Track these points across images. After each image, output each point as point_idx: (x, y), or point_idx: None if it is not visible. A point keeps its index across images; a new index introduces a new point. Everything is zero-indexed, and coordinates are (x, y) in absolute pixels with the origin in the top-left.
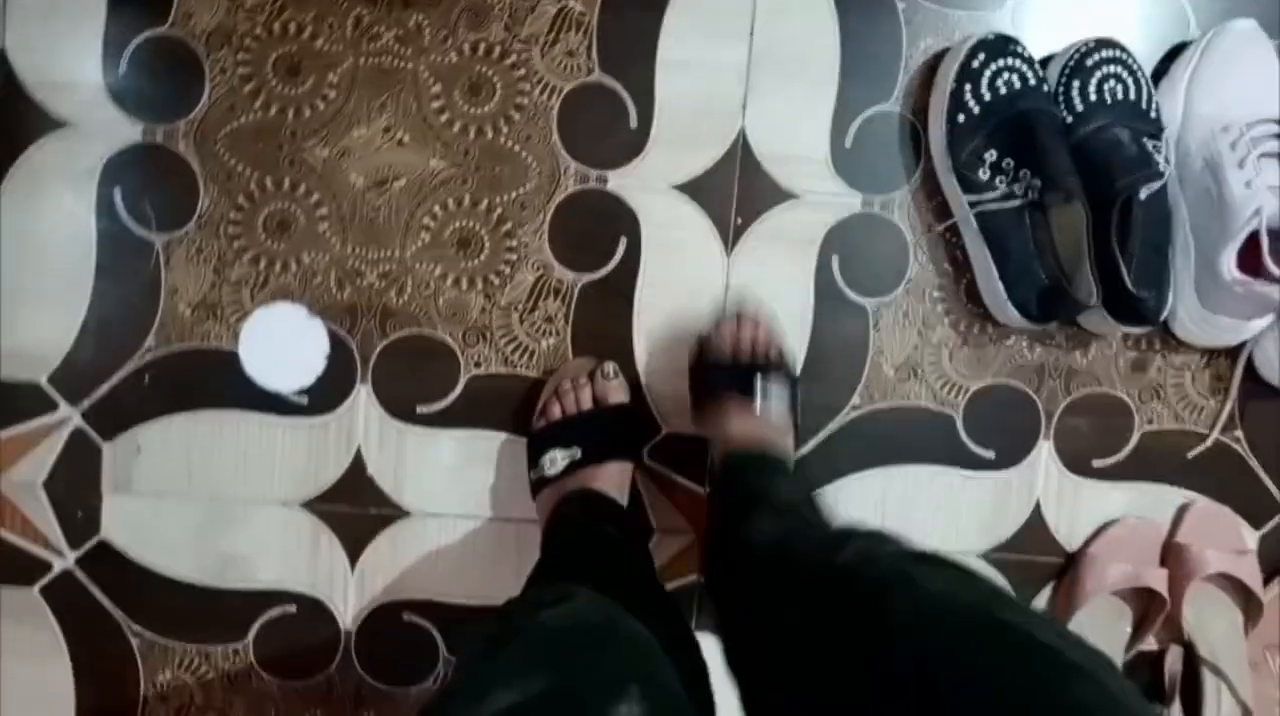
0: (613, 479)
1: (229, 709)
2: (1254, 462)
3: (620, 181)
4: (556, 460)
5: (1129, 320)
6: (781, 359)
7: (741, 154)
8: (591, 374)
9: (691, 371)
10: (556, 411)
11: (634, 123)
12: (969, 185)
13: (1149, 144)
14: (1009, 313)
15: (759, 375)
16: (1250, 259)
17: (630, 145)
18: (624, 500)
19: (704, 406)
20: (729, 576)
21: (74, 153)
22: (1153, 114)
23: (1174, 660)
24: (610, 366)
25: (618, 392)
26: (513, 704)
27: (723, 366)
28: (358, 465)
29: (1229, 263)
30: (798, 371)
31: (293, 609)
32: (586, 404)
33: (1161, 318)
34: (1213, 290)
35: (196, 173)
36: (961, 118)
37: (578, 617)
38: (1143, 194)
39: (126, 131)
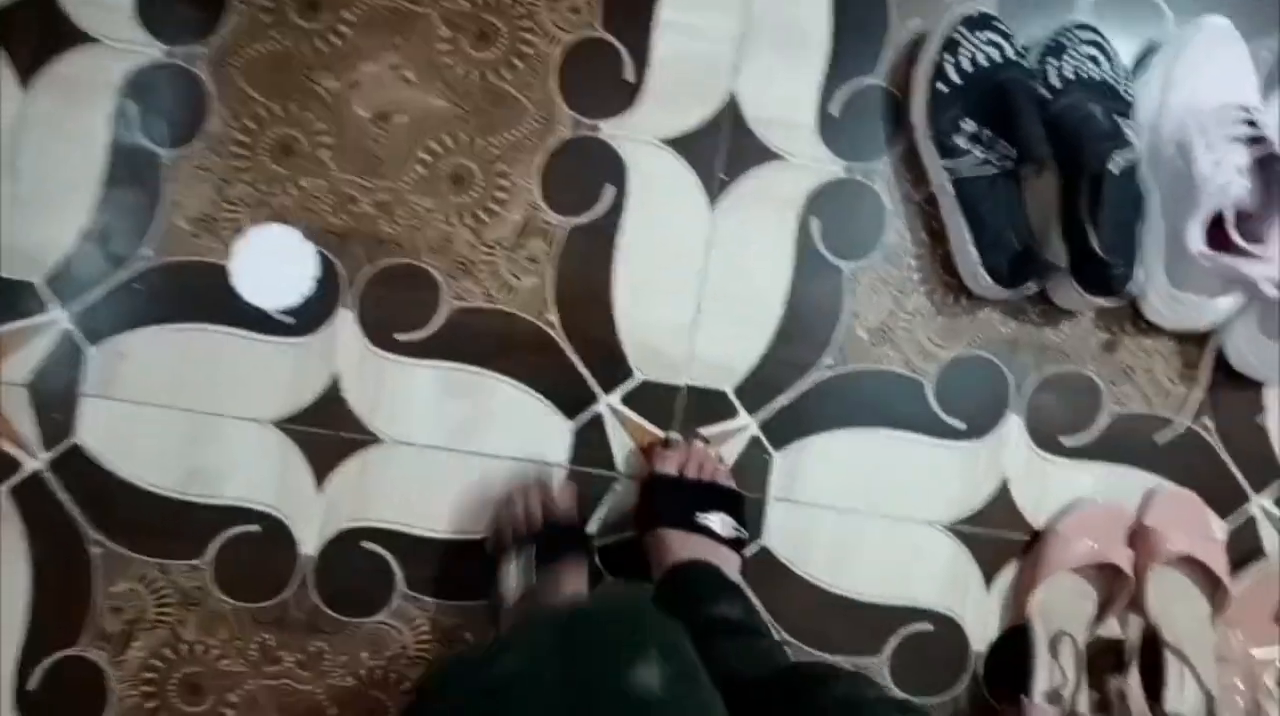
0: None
1: (180, 626)
2: (1223, 452)
3: (612, 131)
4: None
5: (1097, 289)
6: (729, 478)
7: (731, 114)
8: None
9: (643, 483)
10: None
11: (630, 76)
12: (947, 153)
13: (1120, 120)
14: (982, 278)
15: (699, 510)
16: (1219, 240)
17: (624, 97)
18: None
19: (649, 523)
20: None
21: (98, 67)
22: (1125, 95)
23: (1133, 631)
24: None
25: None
26: (522, 666)
27: (673, 489)
28: (334, 389)
29: (1196, 234)
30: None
31: (256, 528)
32: (536, 516)
33: (1127, 288)
34: (1180, 266)
35: (210, 94)
36: (943, 87)
37: (596, 597)
38: (1114, 168)
39: (149, 51)
